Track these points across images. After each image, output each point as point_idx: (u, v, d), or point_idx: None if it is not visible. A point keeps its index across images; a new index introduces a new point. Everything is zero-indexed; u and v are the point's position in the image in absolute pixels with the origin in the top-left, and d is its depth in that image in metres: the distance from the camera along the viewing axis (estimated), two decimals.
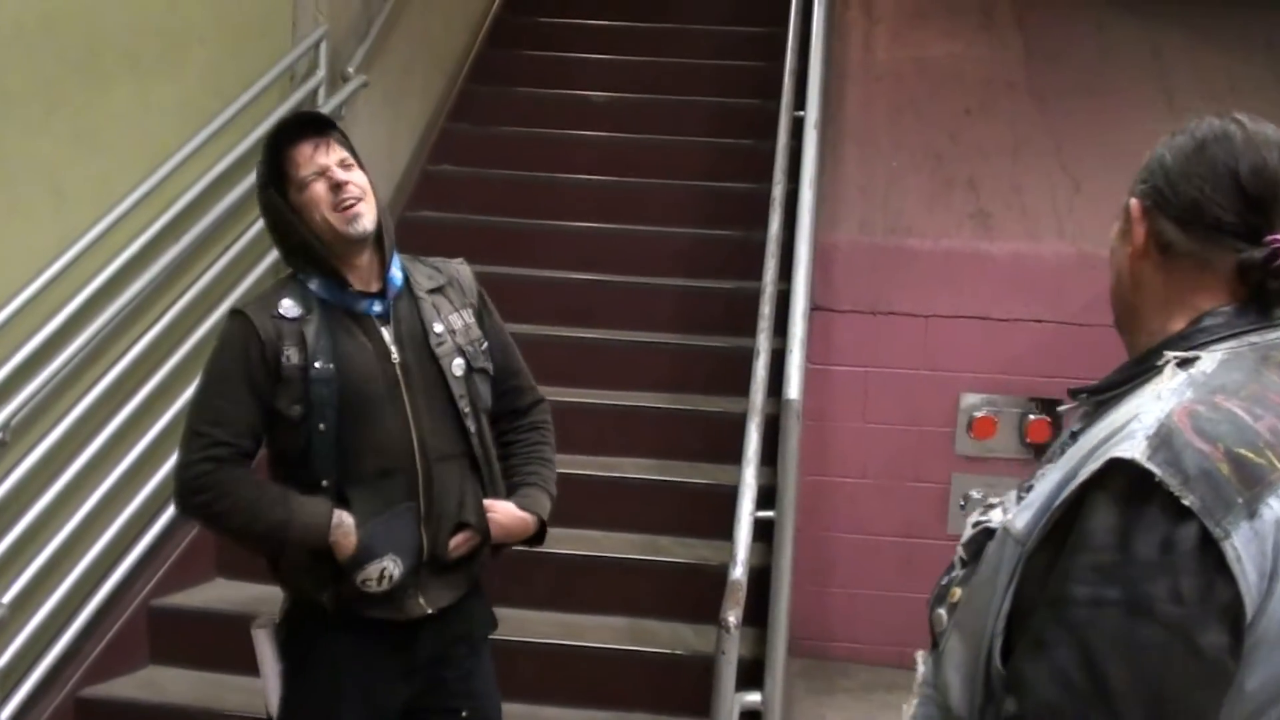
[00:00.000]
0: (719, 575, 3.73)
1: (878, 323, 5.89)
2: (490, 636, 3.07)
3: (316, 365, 2.73)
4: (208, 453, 2.73)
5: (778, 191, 4.82)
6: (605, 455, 5.13)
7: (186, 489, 2.76)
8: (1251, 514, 1.40)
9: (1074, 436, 1.65)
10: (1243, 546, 1.38)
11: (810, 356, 5.76)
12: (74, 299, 4.15)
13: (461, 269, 3.04)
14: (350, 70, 5.55)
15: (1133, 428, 1.46)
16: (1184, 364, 1.54)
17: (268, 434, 2.80)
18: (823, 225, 5.94)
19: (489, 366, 2.94)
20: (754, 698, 3.71)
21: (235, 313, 2.82)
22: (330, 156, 2.77)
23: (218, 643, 4.28)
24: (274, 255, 4.62)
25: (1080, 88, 6.42)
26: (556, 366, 5.41)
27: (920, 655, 1.82)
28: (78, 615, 4.21)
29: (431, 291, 2.92)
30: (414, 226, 6.18)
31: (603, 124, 6.72)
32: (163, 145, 4.51)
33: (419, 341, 2.83)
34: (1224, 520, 1.38)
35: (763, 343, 4.22)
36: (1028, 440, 5.39)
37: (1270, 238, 1.55)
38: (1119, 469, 1.42)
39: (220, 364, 2.80)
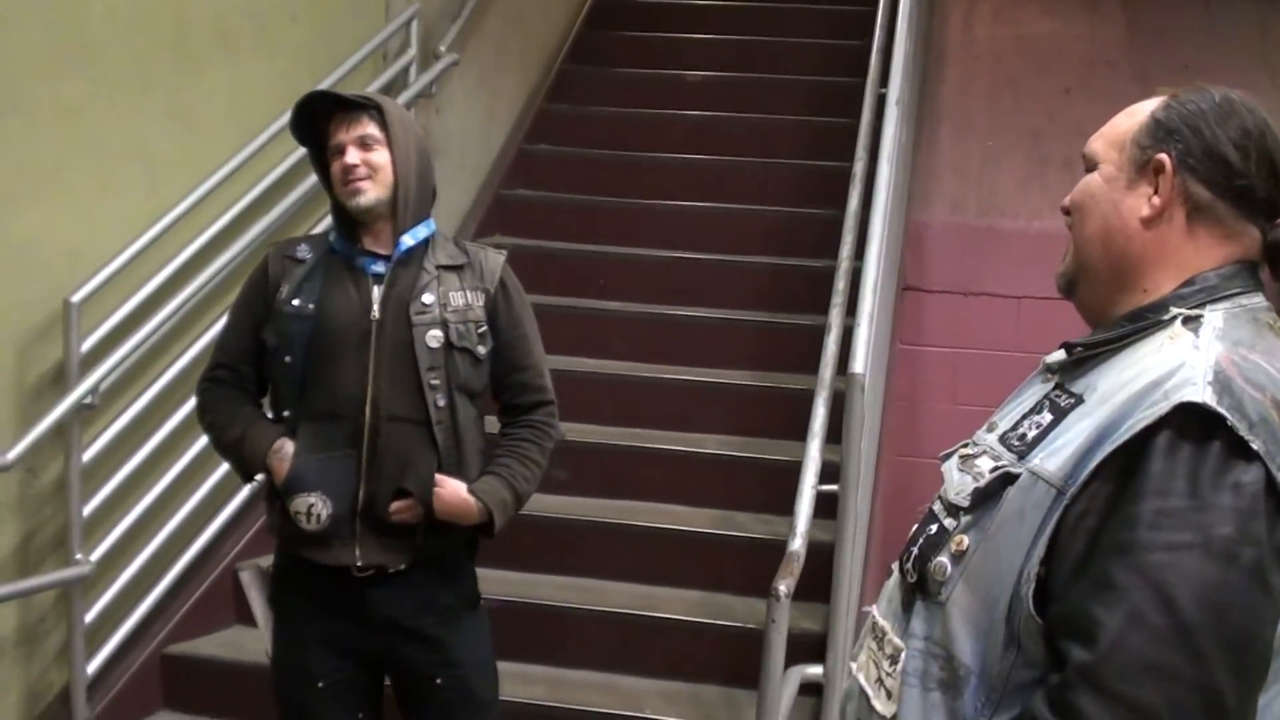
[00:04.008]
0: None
1: (969, 304, 5.84)
2: (487, 605, 3.14)
3: (295, 303, 2.91)
4: (210, 374, 3.08)
5: (858, 168, 4.78)
6: (690, 431, 5.15)
7: (196, 405, 3.12)
8: None
9: (1060, 389, 1.64)
10: None
11: (900, 337, 5.73)
12: (164, 269, 4.27)
13: (491, 257, 3.07)
14: (442, 49, 5.62)
15: (1185, 375, 1.46)
16: (1187, 321, 1.56)
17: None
18: (914, 205, 5.90)
19: (478, 350, 2.96)
20: (815, 670, 3.72)
21: (267, 252, 3.06)
22: (350, 133, 2.91)
23: None
24: None
25: (1183, 67, 6.28)
26: (645, 343, 5.46)
27: (876, 610, 1.77)
28: (165, 575, 4.35)
29: (444, 268, 2.98)
30: (509, 204, 6.26)
31: (697, 102, 6.72)
32: (254, 122, 4.61)
33: (403, 306, 2.91)
34: None
35: (835, 318, 4.19)
36: None
37: None
38: (1186, 413, 1.42)
39: (239, 295, 3.08)
